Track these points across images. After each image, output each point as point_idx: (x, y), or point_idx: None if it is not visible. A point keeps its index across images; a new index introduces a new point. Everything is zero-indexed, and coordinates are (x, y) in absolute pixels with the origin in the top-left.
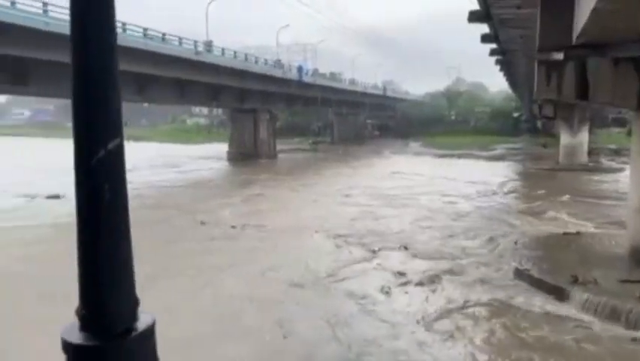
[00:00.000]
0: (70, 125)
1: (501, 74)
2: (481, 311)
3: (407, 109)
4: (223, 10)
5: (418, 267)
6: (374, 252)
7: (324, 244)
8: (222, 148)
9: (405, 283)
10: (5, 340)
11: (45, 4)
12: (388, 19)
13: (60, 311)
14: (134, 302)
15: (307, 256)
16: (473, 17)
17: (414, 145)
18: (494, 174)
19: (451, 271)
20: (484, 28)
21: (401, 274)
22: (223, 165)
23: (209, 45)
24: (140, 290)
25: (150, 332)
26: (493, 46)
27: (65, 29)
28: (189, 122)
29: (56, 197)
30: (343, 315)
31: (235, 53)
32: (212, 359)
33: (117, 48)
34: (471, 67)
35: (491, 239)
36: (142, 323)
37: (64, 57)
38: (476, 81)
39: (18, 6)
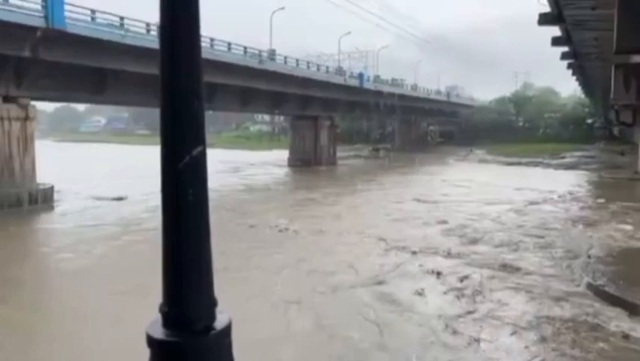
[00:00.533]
0: (139, 132)
1: (573, 78)
2: (548, 325)
3: (472, 115)
4: (284, 17)
5: (472, 275)
6: (415, 254)
7: (374, 249)
8: (283, 155)
9: (452, 290)
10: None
11: (122, 18)
12: (452, 24)
13: (131, 304)
14: (213, 302)
15: (355, 260)
16: (544, 20)
17: (479, 152)
18: (565, 183)
19: (515, 282)
20: (555, 31)
21: (438, 273)
22: (283, 171)
23: (272, 54)
24: None
25: (227, 331)
26: (565, 49)
27: (139, 41)
28: (252, 129)
29: (120, 199)
30: (389, 319)
31: (297, 60)
32: (265, 357)
33: (202, 62)
34: (540, 71)
35: (558, 251)
36: (220, 323)
37: (138, 67)
38: (546, 86)
39: (97, 20)
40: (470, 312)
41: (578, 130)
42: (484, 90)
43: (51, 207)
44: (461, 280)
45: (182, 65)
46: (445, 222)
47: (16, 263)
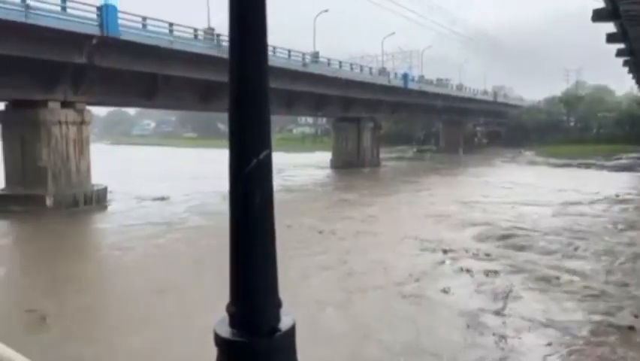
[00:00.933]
0: (187, 135)
1: (629, 76)
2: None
3: (520, 116)
4: (327, 19)
5: (505, 278)
6: (449, 255)
7: (409, 251)
8: (326, 157)
9: (484, 291)
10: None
11: (171, 25)
12: (500, 23)
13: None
14: (278, 303)
15: (391, 261)
16: (598, 16)
17: (527, 154)
18: (619, 186)
19: (557, 290)
20: (610, 27)
21: (468, 271)
22: (324, 172)
23: (315, 56)
24: None
25: (291, 332)
26: (621, 46)
27: (187, 47)
28: (295, 131)
29: (162, 199)
30: (422, 320)
31: (340, 62)
32: (305, 356)
33: (268, 69)
34: (595, 69)
35: (608, 256)
36: (284, 324)
37: (185, 72)
38: (600, 84)
39: (149, 27)
40: (498, 312)
41: (635, 130)
42: (534, 90)
43: (104, 207)
44: (487, 275)
45: (250, 73)
46: (487, 224)
47: (72, 260)
